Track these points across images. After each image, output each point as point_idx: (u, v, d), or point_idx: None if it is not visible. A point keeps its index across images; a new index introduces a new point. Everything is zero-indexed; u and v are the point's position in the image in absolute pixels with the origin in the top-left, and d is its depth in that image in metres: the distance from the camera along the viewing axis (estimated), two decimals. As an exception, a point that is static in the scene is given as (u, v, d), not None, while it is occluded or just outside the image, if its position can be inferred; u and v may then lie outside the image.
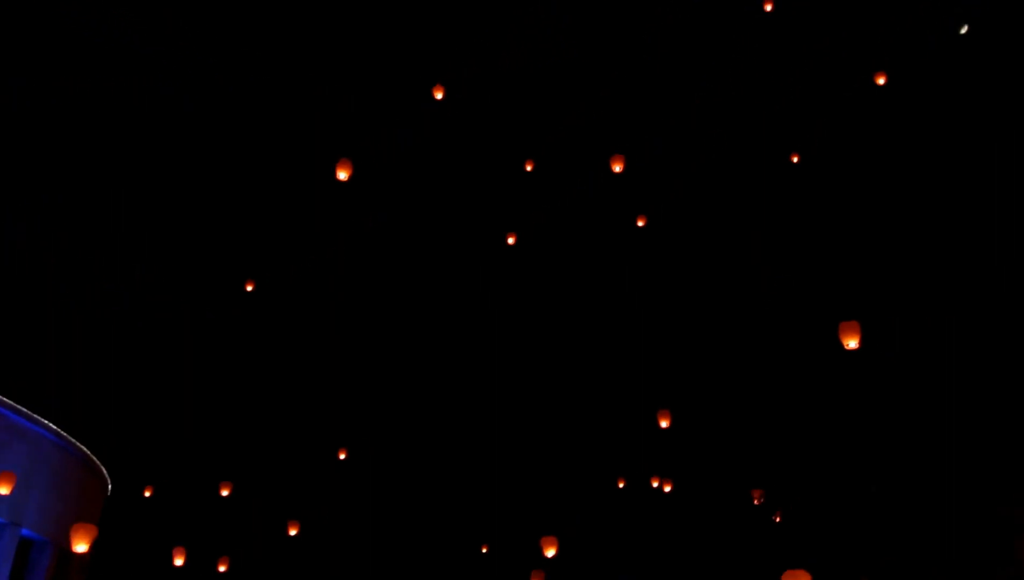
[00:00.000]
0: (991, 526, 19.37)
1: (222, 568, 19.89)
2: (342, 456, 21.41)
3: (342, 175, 15.89)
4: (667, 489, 18.44)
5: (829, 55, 15.79)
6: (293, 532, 21.06)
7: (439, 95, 15.69)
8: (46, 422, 17.91)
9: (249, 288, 17.01)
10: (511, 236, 18.23)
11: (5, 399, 16.80)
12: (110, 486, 20.56)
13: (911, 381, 20.00)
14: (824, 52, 15.77)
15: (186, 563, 17.37)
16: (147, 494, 18.96)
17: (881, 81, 15.74)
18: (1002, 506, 19.39)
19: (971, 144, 16.52)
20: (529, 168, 17.60)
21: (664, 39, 15.61)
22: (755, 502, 18.59)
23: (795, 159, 17.00)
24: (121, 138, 14.93)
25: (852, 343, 12.83)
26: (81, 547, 13.27)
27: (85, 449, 19.25)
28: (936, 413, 20.17)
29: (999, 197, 16.75)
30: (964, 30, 17.83)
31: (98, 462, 19.77)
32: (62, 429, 18.56)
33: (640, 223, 17.70)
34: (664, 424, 18.03)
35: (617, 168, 15.79)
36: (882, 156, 16.99)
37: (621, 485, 20.95)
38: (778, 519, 19.98)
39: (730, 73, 16.11)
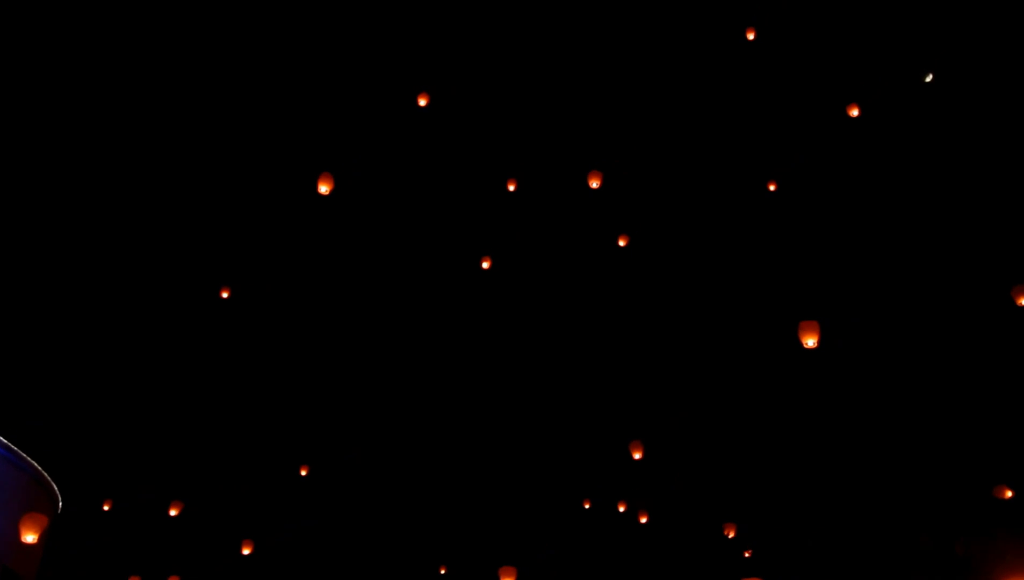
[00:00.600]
0: (948, 565, 19.75)
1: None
2: (304, 472, 20.81)
3: (323, 188, 15.60)
4: (643, 520, 18.33)
5: (829, 57, 15.95)
6: (247, 551, 20.39)
7: (423, 102, 15.54)
8: (-7, 435, 17.13)
9: (225, 295, 16.42)
10: (486, 260, 18.01)
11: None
12: (60, 503, 19.63)
13: (873, 412, 20.25)
14: (824, 53, 15.93)
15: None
16: (106, 508, 18.07)
17: (855, 113, 15.99)
18: (959, 544, 19.80)
19: (969, 144, 16.77)
20: (512, 187, 17.46)
21: (663, 40, 15.66)
22: (728, 535, 18.66)
23: (772, 187, 17.15)
24: (121, 138, 14.39)
25: (811, 342, 12.52)
26: (30, 537, 12.97)
27: (35, 463, 18.41)
28: (895, 449, 20.52)
29: (997, 203, 16.99)
30: (929, 79, 18.27)
31: (48, 478, 18.91)
32: (10, 442, 17.76)
33: (621, 243, 17.66)
34: (637, 456, 17.94)
35: (594, 184, 15.77)
36: (879, 157, 17.18)
37: (587, 506, 20.75)
38: (748, 555, 20.07)
39: (731, 72, 16.18)
